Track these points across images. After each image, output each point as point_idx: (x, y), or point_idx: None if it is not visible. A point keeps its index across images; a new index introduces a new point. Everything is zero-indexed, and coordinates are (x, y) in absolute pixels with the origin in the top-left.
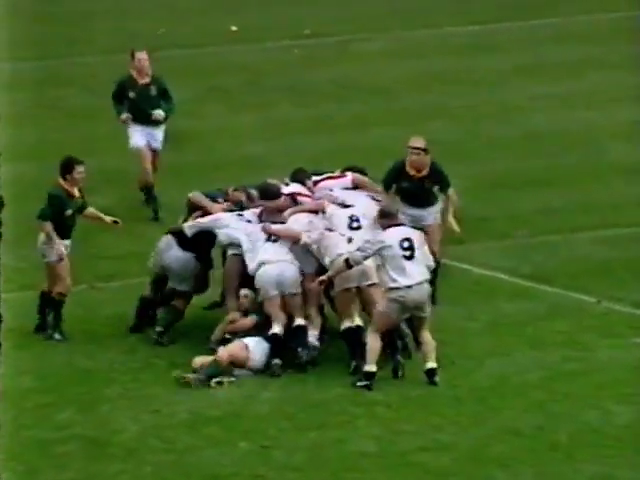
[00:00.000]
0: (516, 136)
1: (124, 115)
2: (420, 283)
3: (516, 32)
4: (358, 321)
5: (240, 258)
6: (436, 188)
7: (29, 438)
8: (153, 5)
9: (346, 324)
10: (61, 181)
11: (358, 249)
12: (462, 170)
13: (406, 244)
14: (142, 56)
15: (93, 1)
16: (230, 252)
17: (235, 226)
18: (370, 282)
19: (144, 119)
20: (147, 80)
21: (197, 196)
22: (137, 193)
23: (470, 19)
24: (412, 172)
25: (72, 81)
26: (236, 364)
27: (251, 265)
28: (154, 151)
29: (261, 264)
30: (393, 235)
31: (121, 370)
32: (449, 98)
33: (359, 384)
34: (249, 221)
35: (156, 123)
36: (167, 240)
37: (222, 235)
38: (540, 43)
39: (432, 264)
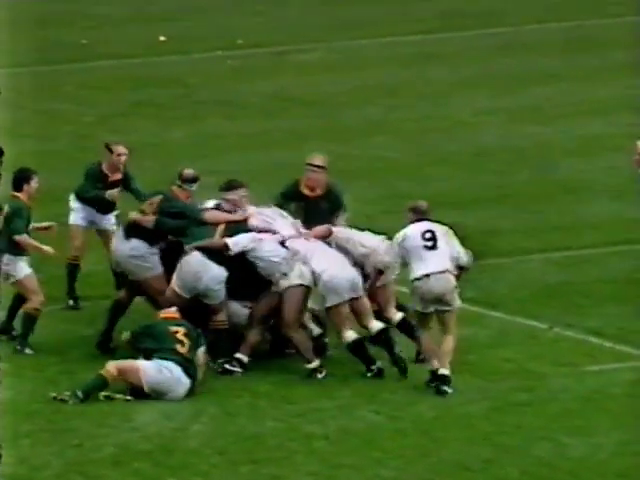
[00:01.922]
0: (462, 152)
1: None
2: (438, 273)
3: (460, 42)
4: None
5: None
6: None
7: None
8: (77, 14)
9: (350, 336)
10: (19, 194)
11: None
12: (406, 188)
13: (428, 235)
14: (121, 150)
15: (11, 9)
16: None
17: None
18: (360, 294)
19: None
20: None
21: (214, 214)
22: None
23: (413, 28)
24: (306, 191)
25: None
26: (128, 382)
27: (307, 274)
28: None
29: (322, 271)
30: (415, 227)
31: (42, 402)
32: (392, 112)
33: (443, 388)
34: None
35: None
36: (200, 260)
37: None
38: (486, 53)
39: (464, 258)
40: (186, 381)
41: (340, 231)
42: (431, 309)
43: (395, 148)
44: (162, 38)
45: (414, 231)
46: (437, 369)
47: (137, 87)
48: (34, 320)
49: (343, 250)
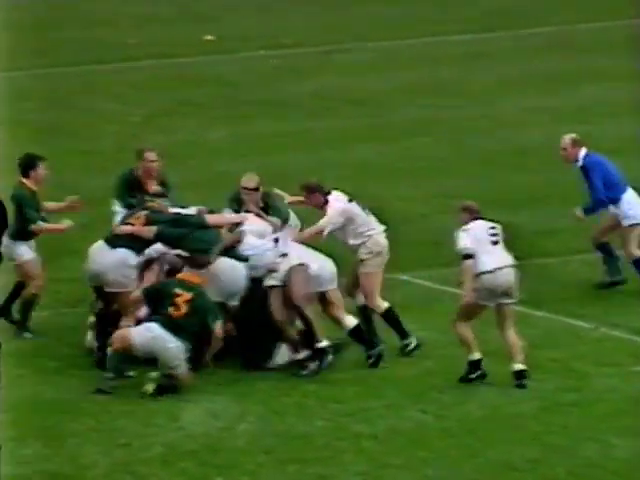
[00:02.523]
0: (508, 151)
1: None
2: (507, 267)
3: (506, 41)
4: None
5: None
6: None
7: None
8: (123, 13)
9: (351, 322)
10: (25, 180)
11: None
12: (451, 187)
13: (492, 230)
14: (151, 157)
15: (60, 9)
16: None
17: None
18: (334, 286)
19: None
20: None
21: (215, 218)
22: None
23: (458, 28)
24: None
25: (34, 94)
26: (127, 351)
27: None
28: None
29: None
30: (479, 223)
31: (90, 401)
32: (437, 111)
33: (471, 376)
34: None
35: None
36: (230, 264)
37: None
38: (531, 53)
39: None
40: (173, 342)
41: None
42: (495, 302)
43: (440, 147)
44: (208, 37)
45: (480, 226)
46: (476, 359)
47: (182, 87)
48: (31, 305)
49: None
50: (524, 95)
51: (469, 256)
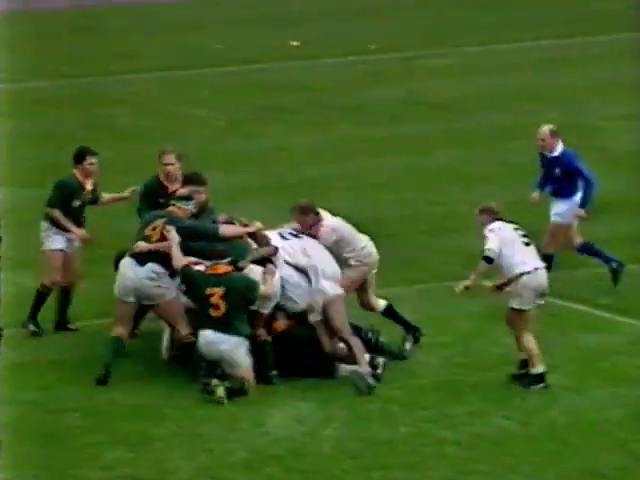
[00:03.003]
0: (595, 157)
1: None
2: (542, 268)
3: (592, 47)
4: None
5: None
6: None
7: (77, 478)
8: (210, 19)
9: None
10: (75, 171)
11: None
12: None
13: (521, 232)
14: (168, 160)
15: (144, 15)
16: None
17: None
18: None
19: None
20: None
21: (229, 229)
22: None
23: (543, 33)
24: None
25: (119, 99)
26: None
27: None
28: None
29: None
30: (503, 224)
31: (173, 406)
32: (521, 117)
33: (533, 387)
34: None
35: None
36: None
37: None
38: (617, 58)
39: None
40: (225, 343)
41: None
42: (534, 304)
43: (524, 153)
44: (294, 43)
45: (505, 227)
46: (541, 372)
47: (267, 92)
48: (42, 297)
49: None
50: (607, 101)
51: (490, 260)
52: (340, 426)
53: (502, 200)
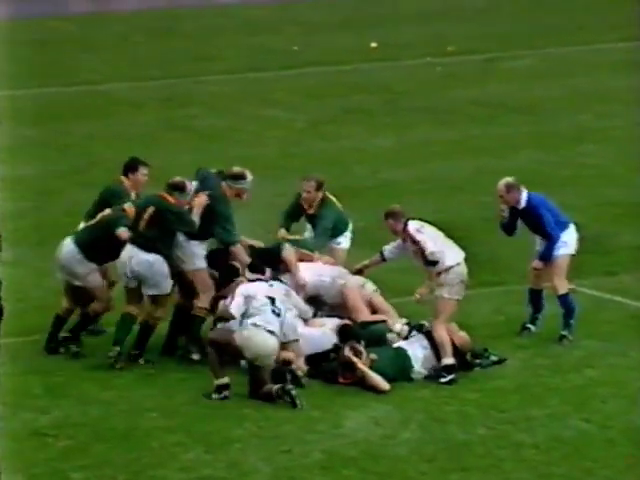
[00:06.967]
0: None
1: None
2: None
3: None
4: None
5: None
6: None
7: (155, 479)
8: (288, 20)
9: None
10: (123, 178)
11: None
12: (614, 196)
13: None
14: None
15: (222, 16)
16: None
17: None
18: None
19: None
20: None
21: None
22: None
23: (622, 35)
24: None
25: (197, 101)
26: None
27: None
28: None
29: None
30: (418, 221)
31: (251, 407)
32: (601, 119)
33: (442, 380)
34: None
35: None
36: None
37: None
38: None
39: None
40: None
41: None
42: (462, 295)
43: (604, 155)
44: (373, 44)
45: (424, 224)
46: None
47: (346, 94)
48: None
49: None
50: None
51: (437, 262)
52: (417, 428)
53: (582, 203)
